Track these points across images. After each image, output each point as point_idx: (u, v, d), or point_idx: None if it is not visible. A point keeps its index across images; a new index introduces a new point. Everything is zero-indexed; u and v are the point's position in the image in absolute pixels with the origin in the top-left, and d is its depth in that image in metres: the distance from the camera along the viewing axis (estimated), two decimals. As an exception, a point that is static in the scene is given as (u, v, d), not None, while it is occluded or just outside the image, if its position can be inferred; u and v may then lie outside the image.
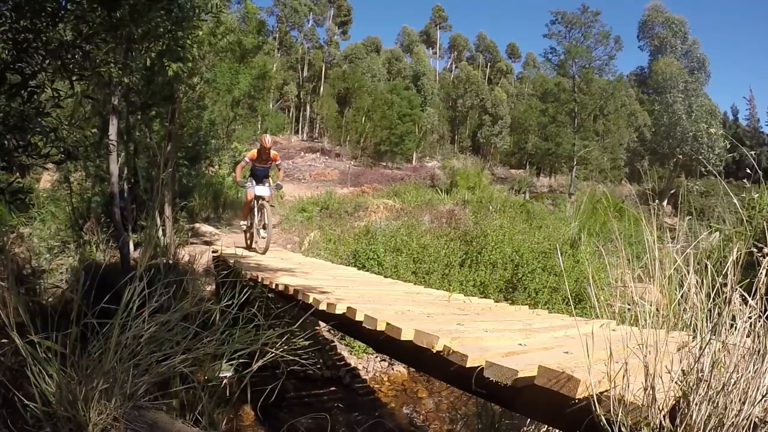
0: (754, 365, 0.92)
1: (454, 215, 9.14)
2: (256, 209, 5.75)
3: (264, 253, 5.52)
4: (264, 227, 5.59)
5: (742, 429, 0.90)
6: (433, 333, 1.45)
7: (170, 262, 5.04)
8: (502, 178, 26.17)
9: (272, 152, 5.84)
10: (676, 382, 0.98)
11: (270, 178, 6.09)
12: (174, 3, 3.28)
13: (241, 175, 5.90)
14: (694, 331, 1.04)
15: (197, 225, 7.96)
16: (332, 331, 5.38)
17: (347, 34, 38.34)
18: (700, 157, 22.83)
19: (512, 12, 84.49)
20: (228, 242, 6.24)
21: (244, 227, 6.23)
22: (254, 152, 5.79)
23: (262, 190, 5.72)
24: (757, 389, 0.90)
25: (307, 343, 1.97)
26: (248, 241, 6.20)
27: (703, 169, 21.44)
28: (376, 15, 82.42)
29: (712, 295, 1.03)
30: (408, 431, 3.98)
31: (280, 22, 33.67)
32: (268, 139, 5.74)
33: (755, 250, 1.09)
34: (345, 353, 5.28)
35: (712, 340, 0.96)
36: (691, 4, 64.56)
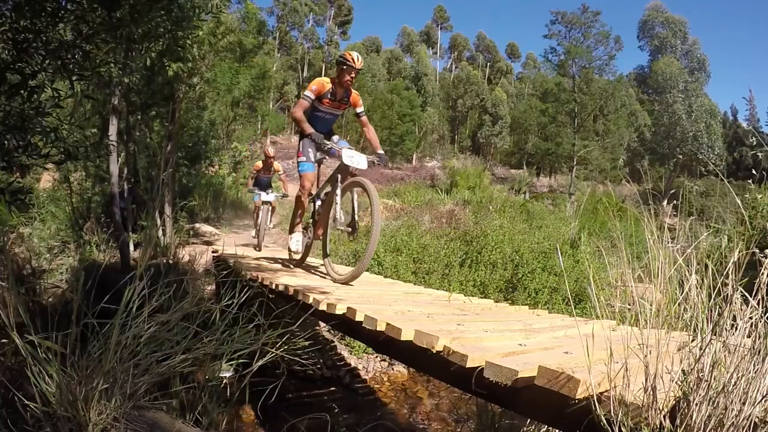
0: (754, 365, 0.92)
1: (454, 215, 9.14)
2: (354, 198, 3.34)
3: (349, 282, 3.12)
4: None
5: (743, 429, 0.90)
6: (433, 333, 1.44)
7: (170, 262, 5.05)
8: (502, 178, 26.20)
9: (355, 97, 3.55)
10: (676, 383, 0.98)
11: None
12: (174, 3, 3.28)
13: (303, 114, 3.39)
14: (694, 331, 1.04)
15: (197, 225, 7.96)
16: (332, 331, 5.38)
17: (347, 34, 38.37)
18: (701, 157, 22.87)
19: (512, 12, 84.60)
20: (228, 242, 6.23)
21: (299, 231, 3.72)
22: (322, 83, 3.41)
23: (355, 160, 3.26)
24: (758, 390, 0.90)
25: (307, 343, 1.97)
26: (301, 256, 3.99)
27: (703, 169, 21.47)
28: (376, 15, 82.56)
29: (712, 295, 1.03)
30: (408, 431, 3.98)
31: (280, 22, 33.69)
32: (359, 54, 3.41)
33: (757, 251, 1.09)
34: (345, 353, 5.28)
35: (712, 340, 0.96)
36: (691, 4, 64.81)
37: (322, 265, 3.76)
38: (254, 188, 6.60)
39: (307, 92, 3.43)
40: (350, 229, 3.23)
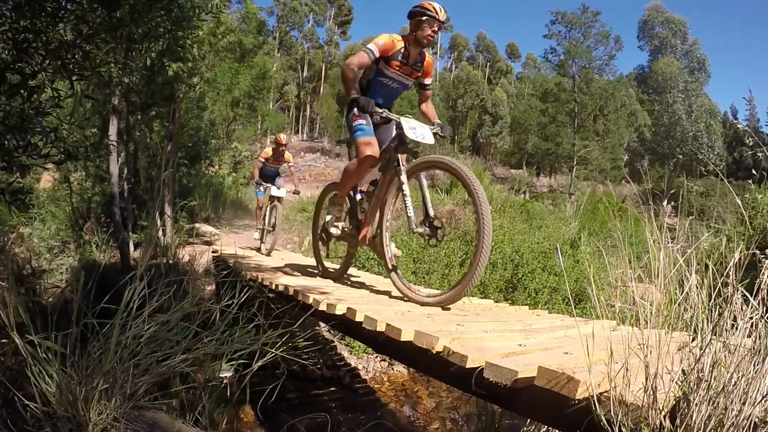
0: (754, 365, 0.92)
1: (454, 215, 9.13)
2: (423, 185, 2.42)
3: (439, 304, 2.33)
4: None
5: (742, 429, 0.90)
6: (433, 334, 1.44)
7: (170, 262, 5.05)
8: (502, 178, 26.19)
9: None
10: (676, 383, 0.98)
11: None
12: (174, 3, 3.28)
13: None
14: (694, 331, 1.04)
15: (197, 225, 7.96)
16: (332, 331, 5.38)
17: (347, 34, 38.43)
18: (701, 157, 22.89)
19: (512, 12, 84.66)
20: (228, 242, 6.22)
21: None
22: (393, 40, 2.63)
23: (418, 133, 2.46)
24: (758, 390, 0.90)
25: (307, 343, 1.96)
26: (341, 266, 3.30)
27: (703, 169, 21.49)
28: (376, 15, 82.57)
29: (712, 296, 1.03)
30: (408, 431, 3.98)
31: (280, 22, 33.73)
32: None
33: (757, 251, 1.09)
34: (345, 353, 5.27)
35: (712, 341, 0.96)
36: (691, 4, 64.92)
37: (351, 276, 3.05)
38: (260, 180, 5.90)
39: (371, 46, 2.55)
40: (428, 230, 2.31)
